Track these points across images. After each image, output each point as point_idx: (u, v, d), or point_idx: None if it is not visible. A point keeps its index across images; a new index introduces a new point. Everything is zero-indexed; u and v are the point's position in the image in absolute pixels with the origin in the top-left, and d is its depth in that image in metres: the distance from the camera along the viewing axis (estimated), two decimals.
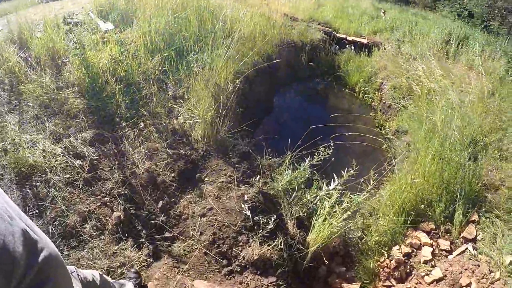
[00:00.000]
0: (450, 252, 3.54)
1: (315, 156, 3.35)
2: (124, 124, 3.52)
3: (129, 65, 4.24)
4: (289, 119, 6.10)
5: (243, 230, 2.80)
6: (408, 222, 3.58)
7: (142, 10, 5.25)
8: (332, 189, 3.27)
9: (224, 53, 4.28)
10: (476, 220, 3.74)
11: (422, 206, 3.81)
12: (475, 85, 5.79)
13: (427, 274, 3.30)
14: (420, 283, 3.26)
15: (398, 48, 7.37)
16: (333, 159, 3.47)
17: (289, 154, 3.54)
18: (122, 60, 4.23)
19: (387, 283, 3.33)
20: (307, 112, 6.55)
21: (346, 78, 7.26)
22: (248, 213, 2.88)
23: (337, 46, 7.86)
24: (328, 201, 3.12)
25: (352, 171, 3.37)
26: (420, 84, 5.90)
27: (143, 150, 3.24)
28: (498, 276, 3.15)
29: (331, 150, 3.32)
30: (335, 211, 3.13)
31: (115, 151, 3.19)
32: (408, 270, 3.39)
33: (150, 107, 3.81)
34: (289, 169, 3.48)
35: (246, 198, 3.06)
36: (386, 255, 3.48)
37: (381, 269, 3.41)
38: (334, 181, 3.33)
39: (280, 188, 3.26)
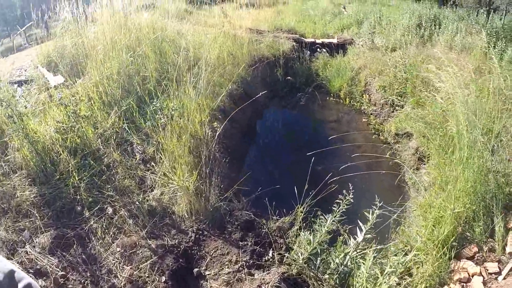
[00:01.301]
0: (499, 273, 3.03)
1: (334, 209, 2.68)
2: (87, 214, 2.76)
3: (83, 130, 3.50)
4: (280, 152, 5.41)
5: None
6: (453, 256, 3.03)
7: (93, 54, 4.52)
8: (361, 241, 2.65)
9: (195, 93, 3.63)
10: None
11: (460, 229, 3.27)
12: (463, 66, 5.42)
13: None
14: None
15: (371, 42, 6.94)
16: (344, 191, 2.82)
17: (298, 208, 2.90)
18: (73, 126, 3.49)
19: None
20: (297, 136, 5.88)
21: (328, 85, 6.75)
22: None
23: (309, 52, 7.36)
24: (363, 263, 2.52)
25: (375, 211, 2.77)
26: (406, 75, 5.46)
27: (117, 249, 2.48)
28: None
29: (351, 195, 2.65)
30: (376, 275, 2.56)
31: (83, 257, 2.43)
32: None
33: (116, 182, 3.06)
34: (304, 228, 2.85)
35: None
36: None
37: None
38: (360, 230, 2.71)
39: (301, 262, 2.59)
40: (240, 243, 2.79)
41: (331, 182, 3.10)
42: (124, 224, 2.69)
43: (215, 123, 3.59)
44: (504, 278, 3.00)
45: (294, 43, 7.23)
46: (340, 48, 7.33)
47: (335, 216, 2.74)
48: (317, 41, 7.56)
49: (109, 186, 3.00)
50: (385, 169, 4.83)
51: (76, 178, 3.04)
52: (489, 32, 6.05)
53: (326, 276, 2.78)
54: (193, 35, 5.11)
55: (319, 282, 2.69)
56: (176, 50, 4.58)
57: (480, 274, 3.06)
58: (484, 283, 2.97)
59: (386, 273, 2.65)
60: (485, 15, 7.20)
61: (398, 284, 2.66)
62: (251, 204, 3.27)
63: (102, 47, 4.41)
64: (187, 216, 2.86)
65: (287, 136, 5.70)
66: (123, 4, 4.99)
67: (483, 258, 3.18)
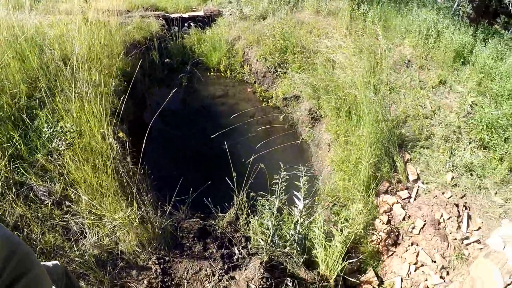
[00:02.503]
0: (410, 197, 3.78)
1: (275, 189, 2.74)
2: None
3: None
4: (186, 143, 5.07)
5: None
6: (374, 195, 3.63)
7: None
8: (303, 207, 2.86)
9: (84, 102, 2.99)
10: (409, 158, 4.06)
11: (372, 171, 3.88)
12: (334, 27, 6.10)
13: (414, 228, 3.43)
14: (413, 236, 3.39)
15: (240, 11, 6.98)
16: (261, 165, 2.96)
17: (235, 196, 2.89)
18: None
19: (389, 253, 3.39)
20: (194, 121, 5.55)
21: (206, 60, 6.58)
22: None
23: (176, 28, 6.90)
24: (315, 225, 2.82)
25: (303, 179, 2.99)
26: (285, 43, 5.81)
27: None
28: (450, 194, 3.54)
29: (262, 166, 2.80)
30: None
31: None
32: (397, 233, 3.48)
33: (37, 242, 2.35)
34: (249, 214, 2.98)
35: (253, 286, 2.36)
36: (376, 234, 3.48)
37: (379, 247, 3.41)
38: (298, 199, 2.89)
39: (268, 247, 2.67)
40: (205, 253, 2.67)
41: (249, 162, 3.14)
42: None
43: (121, 133, 3.06)
44: (415, 199, 3.76)
45: (161, 21, 6.65)
46: (209, 20, 7.13)
47: (279, 196, 2.84)
48: (184, 15, 7.14)
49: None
50: (283, 132, 5.20)
51: None
52: None
53: (288, 248, 2.94)
54: (52, 28, 4.09)
55: (289, 257, 2.83)
56: (40, 50, 3.62)
57: (397, 202, 3.76)
58: (402, 207, 3.68)
59: (340, 228, 2.97)
60: None
61: (345, 226, 3.00)
62: (190, 209, 3.06)
63: None
64: (139, 250, 2.48)
65: (185, 124, 5.40)
66: None
67: (395, 189, 3.90)
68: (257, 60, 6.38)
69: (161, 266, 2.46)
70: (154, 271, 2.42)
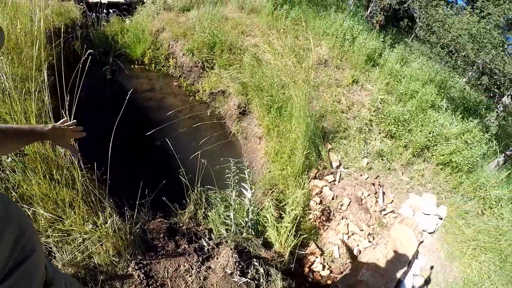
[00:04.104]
0: (335, 180, 4.44)
1: (229, 182, 3.02)
2: None
3: None
4: (126, 142, 4.79)
5: None
6: (307, 179, 4.17)
7: None
8: (252, 196, 3.22)
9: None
10: (331, 147, 4.73)
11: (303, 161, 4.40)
12: (256, 26, 6.45)
13: (342, 205, 4.07)
14: (342, 212, 4.03)
15: (164, 1, 6.82)
16: (203, 160, 3.18)
17: (191, 192, 3.08)
18: None
19: (325, 227, 3.97)
20: (126, 119, 5.25)
21: (130, 52, 6.28)
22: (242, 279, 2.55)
23: (94, 15, 6.39)
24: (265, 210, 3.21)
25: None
26: (214, 40, 5.97)
27: None
28: (367, 176, 4.31)
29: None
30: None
31: None
32: (329, 210, 4.08)
33: None
34: (207, 208, 3.20)
35: (229, 271, 2.61)
36: (312, 213, 4.01)
37: (316, 223, 3.95)
38: (245, 190, 3.23)
39: (232, 235, 2.95)
40: (179, 250, 2.76)
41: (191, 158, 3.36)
42: None
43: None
44: (339, 182, 4.40)
45: (81, 6, 6.06)
46: (130, 8, 6.77)
47: (234, 188, 3.13)
48: (103, 0, 6.62)
49: None
50: (212, 126, 5.44)
51: None
52: None
53: (244, 234, 3.27)
54: None
55: (250, 241, 3.16)
56: None
57: (326, 185, 4.35)
58: (330, 189, 4.28)
59: (288, 211, 3.40)
60: None
61: (292, 209, 3.46)
62: (151, 209, 3.07)
63: None
64: (117, 259, 2.45)
65: (115, 119, 5.12)
66: None
67: (322, 174, 4.49)
68: (183, 54, 6.38)
69: (142, 271, 2.45)
70: (137, 277, 2.40)
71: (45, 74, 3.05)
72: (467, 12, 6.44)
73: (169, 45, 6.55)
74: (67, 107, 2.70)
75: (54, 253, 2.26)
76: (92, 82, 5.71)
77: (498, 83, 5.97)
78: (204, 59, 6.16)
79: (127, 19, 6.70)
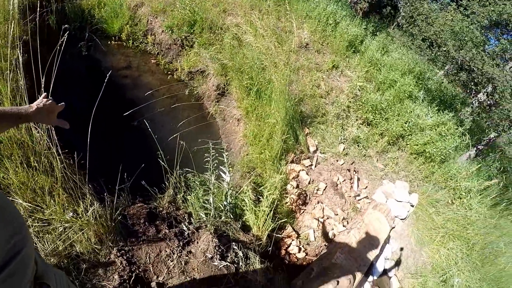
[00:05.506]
0: (311, 164, 4.56)
1: (208, 166, 3.06)
2: None
3: None
4: (102, 123, 4.68)
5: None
6: (284, 164, 4.25)
7: None
8: (229, 180, 3.28)
9: None
10: (309, 132, 4.82)
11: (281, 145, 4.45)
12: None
13: (318, 190, 4.20)
14: (318, 196, 4.17)
15: None
16: (182, 142, 3.20)
17: (170, 175, 3.09)
18: None
19: (301, 211, 4.11)
20: (103, 98, 5.13)
21: (107, 27, 6.00)
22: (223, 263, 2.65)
23: None
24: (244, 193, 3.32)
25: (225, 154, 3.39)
26: (194, 17, 5.82)
27: None
28: (342, 162, 4.46)
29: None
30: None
31: None
32: (305, 194, 4.21)
33: None
34: (186, 192, 3.23)
35: (210, 255, 2.68)
36: (289, 196, 4.12)
37: (293, 207, 4.08)
38: (223, 173, 3.28)
39: (212, 219, 3.01)
40: (159, 235, 2.78)
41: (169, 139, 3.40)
42: None
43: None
44: (316, 166, 4.51)
45: None
46: None
47: (213, 172, 3.18)
48: None
49: None
50: (190, 106, 5.39)
51: None
52: None
53: (223, 218, 3.34)
54: None
55: (229, 225, 3.25)
56: None
57: (303, 169, 4.46)
58: (307, 173, 4.39)
59: (266, 195, 3.49)
60: None
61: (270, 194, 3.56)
62: (130, 194, 3.02)
63: None
64: (99, 247, 2.46)
65: (92, 99, 4.96)
66: None
67: (299, 159, 4.59)
68: (162, 31, 6.19)
69: (125, 257, 2.45)
70: (119, 263, 2.41)
71: (20, 53, 2.90)
72: (452, 8, 6.53)
73: (147, 21, 6.32)
74: (43, 88, 2.60)
75: (36, 244, 2.24)
76: (67, 59, 5.46)
77: (475, 80, 6.17)
78: (183, 37, 6.01)
79: None
